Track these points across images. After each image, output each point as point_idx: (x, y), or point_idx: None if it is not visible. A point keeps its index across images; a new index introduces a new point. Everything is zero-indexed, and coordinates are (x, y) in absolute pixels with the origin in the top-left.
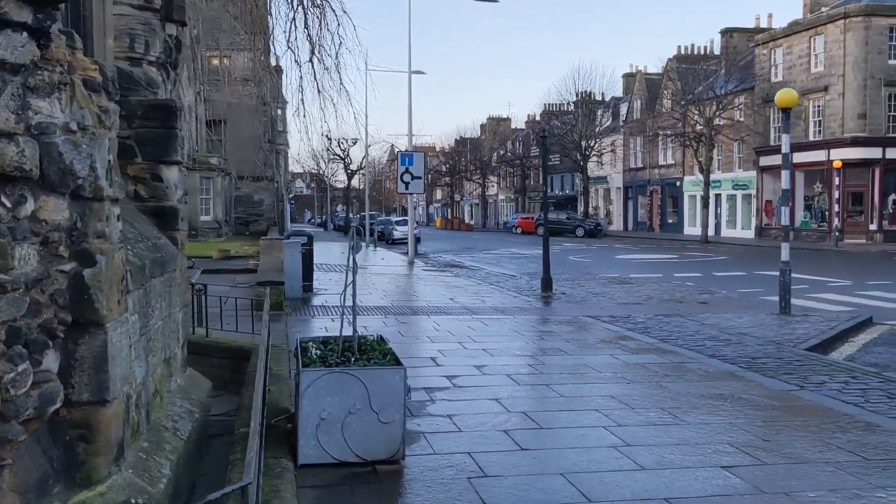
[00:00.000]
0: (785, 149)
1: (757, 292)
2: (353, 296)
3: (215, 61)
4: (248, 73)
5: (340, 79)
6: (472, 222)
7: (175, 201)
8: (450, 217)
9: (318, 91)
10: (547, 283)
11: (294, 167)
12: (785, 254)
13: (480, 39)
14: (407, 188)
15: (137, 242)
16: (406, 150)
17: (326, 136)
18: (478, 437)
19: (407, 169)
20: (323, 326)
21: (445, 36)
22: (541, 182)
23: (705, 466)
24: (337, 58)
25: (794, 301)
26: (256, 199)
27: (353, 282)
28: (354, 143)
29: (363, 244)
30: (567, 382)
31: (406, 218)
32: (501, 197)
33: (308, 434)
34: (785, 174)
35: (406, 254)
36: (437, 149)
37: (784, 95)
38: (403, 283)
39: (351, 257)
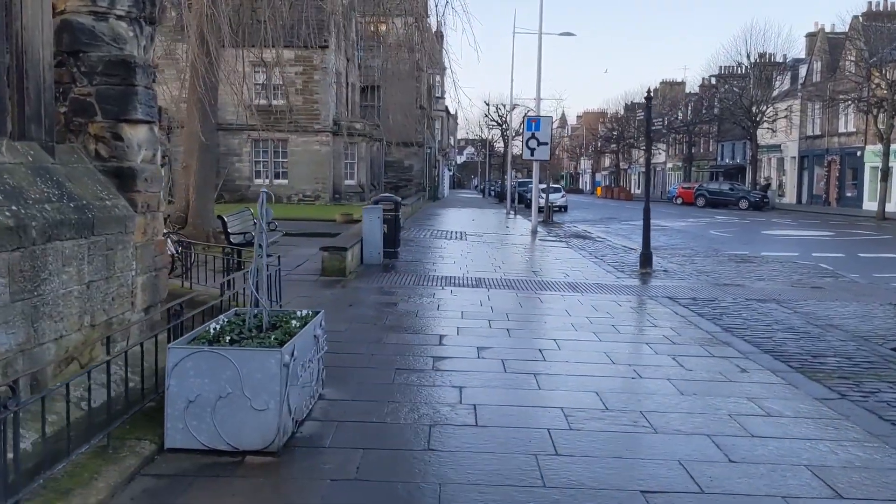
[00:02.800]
0: None
1: (894, 278)
2: (264, 267)
3: (378, 27)
4: (403, 38)
5: None
6: (639, 191)
7: (137, 161)
8: (612, 185)
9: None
10: (646, 260)
11: (462, 133)
12: None
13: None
14: (532, 154)
15: (44, 202)
16: (533, 115)
17: (485, 101)
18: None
19: (533, 134)
20: (369, 295)
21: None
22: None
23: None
24: None
25: None
26: (406, 165)
27: (264, 253)
28: (513, 109)
29: (508, 211)
30: (556, 360)
31: (557, 185)
32: (669, 165)
33: (176, 416)
34: None
35: (540, 222)
36: (609, 115)
37: None
38: (505, 253)
39: (262, 226)
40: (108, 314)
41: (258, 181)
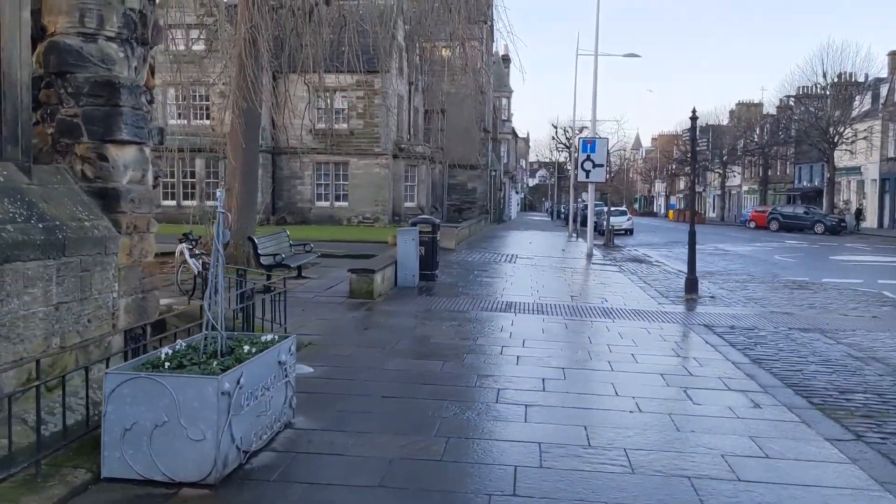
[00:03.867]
0: None
1: None
2: (220, 288)
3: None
4: (468, 62)
5: None
6: (714, 215)
7: (123, 182)
8: (683, 209)
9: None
10: (691, 285)
11: (533, 156)
12: None
13: (730, 20)
14: (588, 176)
15: (7, 223)
16: (588, 137)
17: (552, 124)
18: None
19: (588, 156)
20: (390, 319)
21: (694, 17)
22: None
23: None
24: None
25: None
26: (470, 188)
27: (220, 274)
28: (581, 131)
29: (570, 234)
30: (556, 390)
31: (622, 208)
32: (745, 188)
33: (113, 444)
34: None
35: (598, 245)
36: (683, 137)
37: None
38: (550, 277)
39: (217, 247)
40: (84, 336)
41: (320, 203)
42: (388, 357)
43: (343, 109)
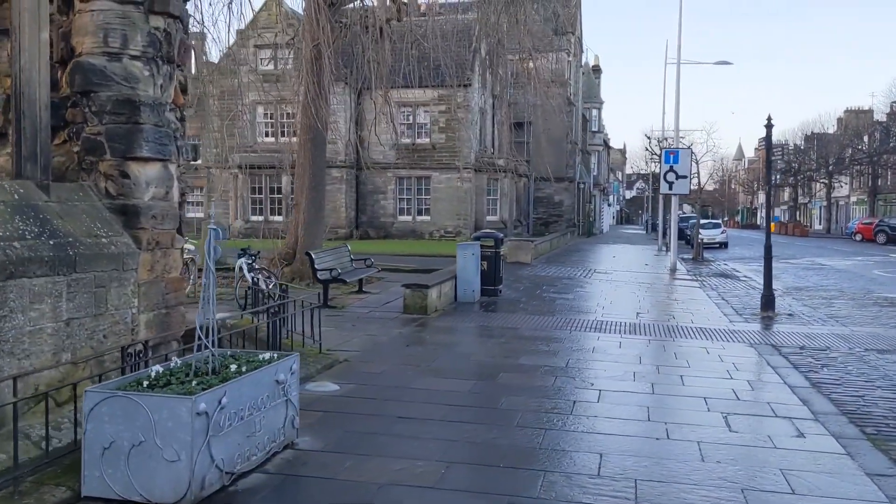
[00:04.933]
0: None
1: None
2: (213, 306)
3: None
4: (554, 74)
5: None
6: (821, 227)
7: (144, 198)
8: (787, 221)
9: None
10: (767, 302)
11: (630, 168)
12: None
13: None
14: (671, 188)
15: (14, 240)
16: (671, 148)
17: (646, 135)
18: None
19: (671, 167)
20: (437, 335)
21: (801, 22)
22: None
23: None
24: None
25: None
26: (557, 200)
27: (211, 291)
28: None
29: (660, 248)
30: (586, 414)
31: (717, 221)
32: (853, 199)
33: (93, 463)
34: None
35: (686, 258)
36: (791, 146)
37: None
38: (622, 293)
39: (208, 264)
40: (98, 351)
41: (402, 218)
42: (419, 376)
43: (425, 124)
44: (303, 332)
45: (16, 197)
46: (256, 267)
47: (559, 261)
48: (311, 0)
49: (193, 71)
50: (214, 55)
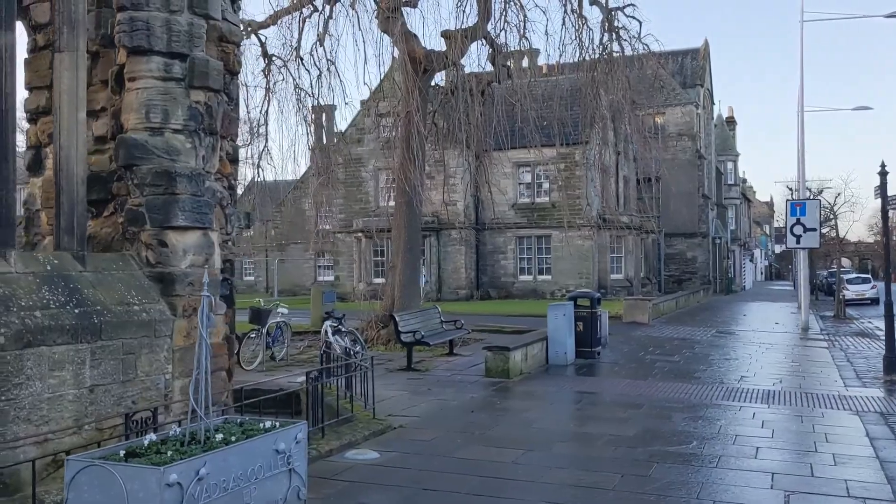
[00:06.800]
0: None
1: None
2: (206, 374)
3: (655, 118)
4: (683, 127)
5: None
6: None
7: (181, 266)
8: None
9: None
10: (890, 365)
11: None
12: None
13: None
14: (798, 242)
15: (36, 309)
16: (797, 199)
17: (787, 186)
18: None
19: (798, 220)
20: (509, 400)
21: None
22: None
23: None
24: None
25: None
26: (689, 257)
27: (203, 361)
28: (821, 192)
29: (800, 305)
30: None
31: (865, 276)
32: None
33: None
34: None
35: (827, 316)
36: None
37: None
38: (734, 353)
39: (203, 333)
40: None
41: (523, 277)
42: (468, 444)
43: (544, 182)
44: (363, 395)
45: (48, 268)
46: (343, 329)
47: (681, 320)
48: (402, 68)
49: (324, 140)
50: (342, 125)
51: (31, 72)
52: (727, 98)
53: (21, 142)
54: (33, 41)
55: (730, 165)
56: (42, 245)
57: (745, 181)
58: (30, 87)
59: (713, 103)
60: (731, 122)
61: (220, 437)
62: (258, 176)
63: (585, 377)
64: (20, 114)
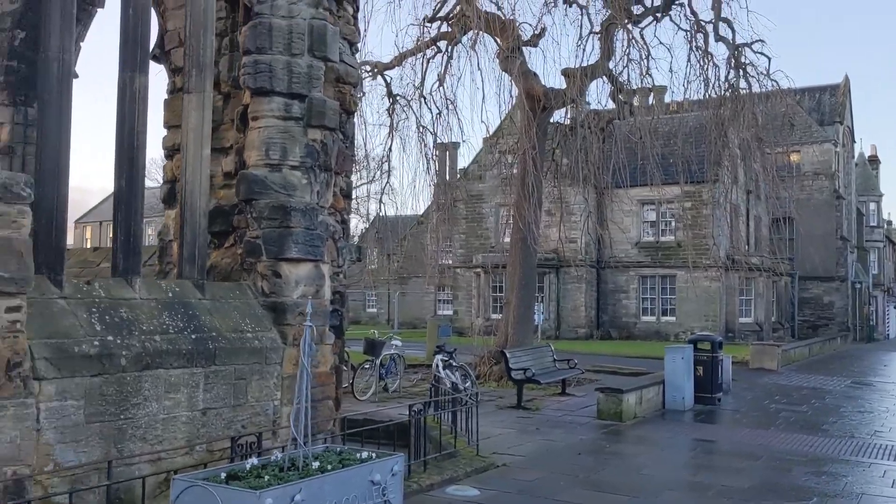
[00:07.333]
0: None
1: None
2: (306, 402)
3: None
4: (820, 166)
5: None
6: None
7: (293, 296)
8: None
9: None
10: None
11: None
12: None
13: None
14: None
15: (156, 334)
16: None
17: None
18: None
19: None
20: (618, 444)
21: None
22: None
23: None
24: None
25: None
26: (826, 302)
27: (304, 390)
28: None
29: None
30: None
31: None
32: None
33: None
34: None
35: None
36: None
37: None
38: (875, 403)
39: (304, 361)
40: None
41: (645, 318)
42: (572, 487)
43: (670, 221)
44: (468, 431)
45: (169, 295)
46: (454, 364)
47: (814, 368)
48: (520, 106)
49: (446, 177)
50: (462, 162)
51: (169, 111)
52: (870, 136)
53: (158, 176)
54: (172, 83)
55: (872, 206)
56: (173, 273)
57: (889, 223)
58: (168, 126)
59: (854, 141)
60: (873, 160)
61: (316, 464)
62: (381, 210)
63: (702, 424)
64: (160, 151)
